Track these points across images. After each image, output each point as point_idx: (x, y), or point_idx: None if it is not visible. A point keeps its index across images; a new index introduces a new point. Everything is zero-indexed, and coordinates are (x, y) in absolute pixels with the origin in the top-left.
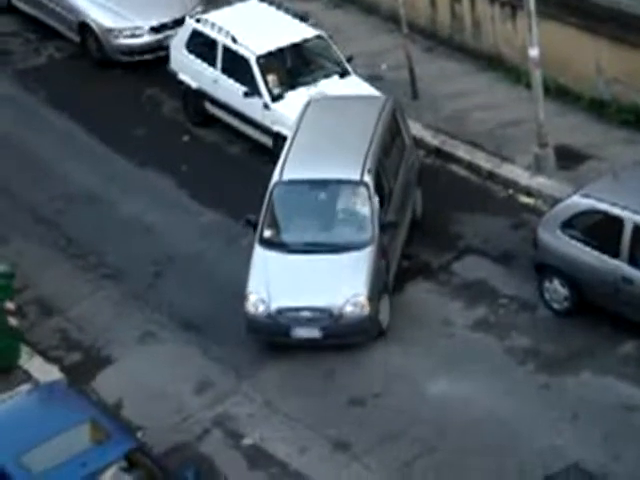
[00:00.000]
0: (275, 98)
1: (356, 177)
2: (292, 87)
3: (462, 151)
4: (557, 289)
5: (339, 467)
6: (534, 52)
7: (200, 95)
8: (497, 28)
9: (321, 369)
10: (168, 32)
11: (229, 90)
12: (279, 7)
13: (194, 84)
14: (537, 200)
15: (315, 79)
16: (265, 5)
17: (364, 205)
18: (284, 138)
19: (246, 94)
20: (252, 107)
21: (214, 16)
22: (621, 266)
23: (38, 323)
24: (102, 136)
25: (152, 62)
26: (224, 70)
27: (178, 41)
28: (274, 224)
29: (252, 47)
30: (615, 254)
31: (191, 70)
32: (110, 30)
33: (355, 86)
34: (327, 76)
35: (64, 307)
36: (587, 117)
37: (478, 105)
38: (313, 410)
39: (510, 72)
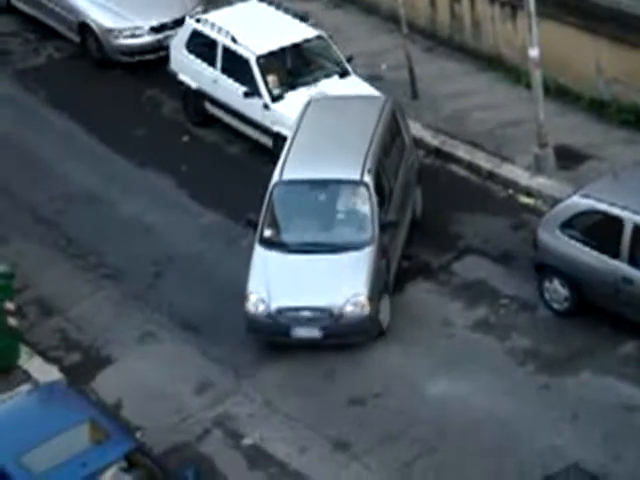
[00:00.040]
0: (275, 98)
1: (356, 177)
2: (292, 87)
3: (462, 151)
4: (557, 289)
5: (339, 467)
6: (534, 52)
7: (200, 95)
8: (497, 28)
9: (321, 369)
10: (168, 32)
11: (229, 90)
12: (279, 7)
13: (194, 84)
14: (537, 200)
15: (315, 79)
16: (265, 5)
17: (364, 205)
18: (284, 138)
19: (246, 94)
20: (252, 107)
21: (214, 16)
22: (621, 266)
23: (38, 323)
24: (102, 136)
25: (152, 62)
26: (224, 70)
27: (178, 41)
28: (274, 224)
29: (252, 47)
30: (615, 254)
31: (191, 70)
32: (110, 30)
33: (355, 86)
34: (327, 76)
35: (64, 307)
36: (587, 117)
37: (478, 105)
38: (313, 410)
39: (510, 72)
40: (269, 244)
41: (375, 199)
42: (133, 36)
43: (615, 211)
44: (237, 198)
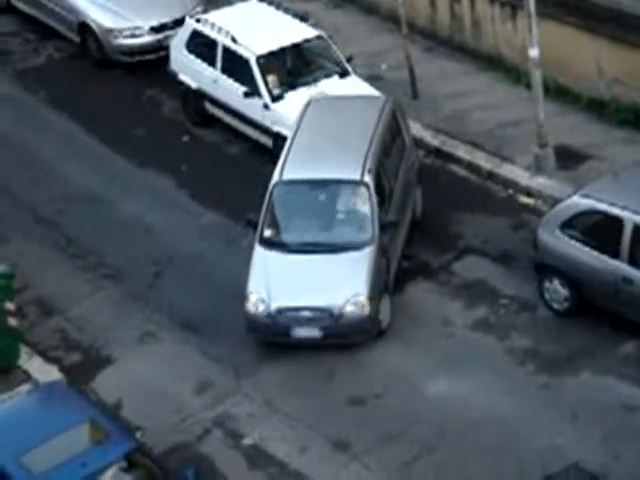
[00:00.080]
0: (275, 98)
1: (356, 177)
2: (292, 87)
3: (462, 151)
4: (557, 289)
5: (339, 467)
6: (534, 52)
7: (200, 95)
8: (497, 28)
9: (321, 369)
10: (168, 32)
11: (229, 90)
12: (279, 7)
13: (194, 84)
14: (537, 200)
15: (315, 79)
16: (265, 5)
17: (364, 205)
18: (284, 138)
19: (246, 94)
20: (252, 107)
21: (214, 16)
22: (621, 266)
23: (38, 323)
24: (102, 136)
25: (152, 62)
26: (224, 70)
27: (178, 41)
28: (274, 224)
29: (252, 47)
30: (615, 254)
31: (191, 70)
32: (110, 30)
33: (355, 86)
34: (327, 76)
35: (64, 307)
36: (587, 117)
37: (478, 105)
38: (313, 410)
39: (510, 72)
40: (269, 244)
41: (375, 199)
42: (133, 36)
43: (615, 211)
44: (237, 198)
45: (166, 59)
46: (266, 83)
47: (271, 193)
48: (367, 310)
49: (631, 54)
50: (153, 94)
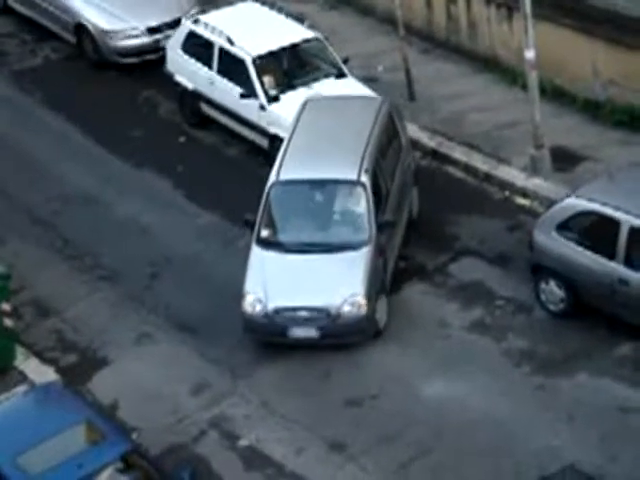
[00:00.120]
0: (271, 99)
1: (353, 177)
2: (288, 89)
3: (458, 153)
4: (553, 291)
5: (335, 468)
6: (530, 54)
7: (196, 96)
8: (493, 30)
9: (317, 370)
10: (164, 33)
11: (225, 91)
12: (274, 8)
13: (190, 85)
14: (533, 201)
15: (311, 81)
16: (261, 6)
17: (361, 205)
18: (280, 140)
19: (242, 95)
20: (248, 108)
21: (210, 17)
22: (617, 268)
23: (34, 324)
24: (98, 137)
25: (148, 63)
26: (220, 71)
27: (174, 42)
28: (271, 224)
29: (248, 48)
30: (611, 255)
31: (187, 71)
32: (106, 31)
33: (351, 88)
34: (323, 78)
35: (60, 308)
36: (583, 118)
37: (474, 107)
38: (309, 411)
39: (506, 74)
40: (266, 244)
41: (372, 199)
42: (129, 37)
43: (611, 212)
44: (234, 199)
45: (162, 60)
46: (262, 84)
47: (268, 193)
48: (364, 310)
49: (627, 56)
50: (149, 95)
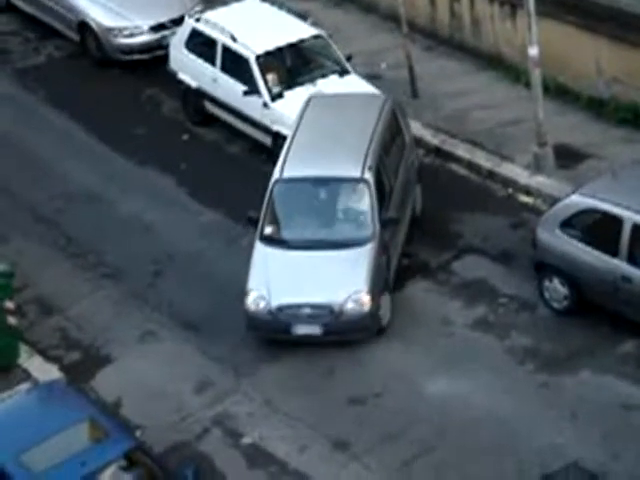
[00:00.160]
0: (274, 97)
1: (357, 174)
2: (291, 86)
3: (462, 150)
4: (557, 288)
5: (338, 466)
6: (534, 51)
7: (200, 94)
8: (496, 27)
9: (321, 368)
10: (167, 31)
11: (229, 89)
12: (278, 6)
13: (194, 83)
14: (536, 199)
15: (314, 78)
16: (265, 4)
17: (364, 202)
18: (283, 137)
19: (245, 93)
20: (251, 106)
21: (213, 15)
22: (620, 265)
23: (38, 322)
24: (102, 135)
25: (151, 61)
26: (224, 69)
27: (177, 40)
28: (275, 221)
29: (251, 46)
30: (614, 253)
31: (191, 69)
32: (110, 29)
33: (355, 85)
34: (326, 75)
35: (64, 306)
36: (586, 116)
37: (478, 104)
38: (313, 409)
39: (510, 71)
40: (270, 241)
41: (375, 196)
42: (132, 35)
43: (614, 210)
44: (237, 197)
45: (165, 58)
46: (265, 82)
47: (271, 190)
48: (367, 307)
49: (630, 53)
50: (153, 93)
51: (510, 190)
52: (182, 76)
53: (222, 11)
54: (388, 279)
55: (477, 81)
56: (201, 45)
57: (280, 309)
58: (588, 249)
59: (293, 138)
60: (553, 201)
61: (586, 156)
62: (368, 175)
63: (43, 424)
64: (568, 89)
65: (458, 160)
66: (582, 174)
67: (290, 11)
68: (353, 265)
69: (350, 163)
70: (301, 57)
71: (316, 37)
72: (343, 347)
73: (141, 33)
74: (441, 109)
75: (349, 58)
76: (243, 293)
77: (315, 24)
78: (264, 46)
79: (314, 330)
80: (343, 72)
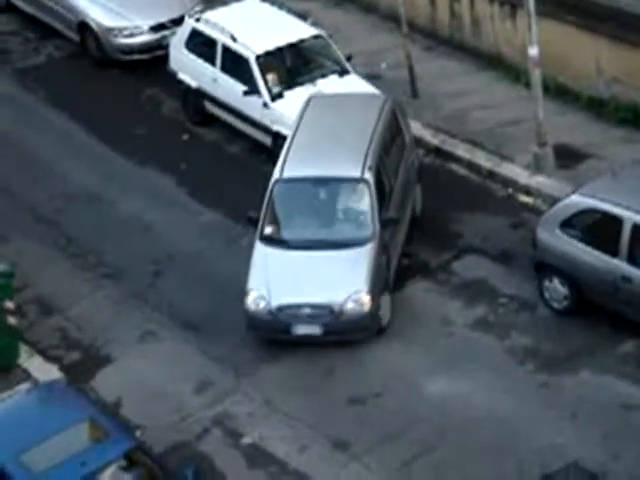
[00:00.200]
0: (274, 97)
1: (357, 174)
2: (291, 86)
3: (462, 150)
4: (557, 288)
5: (338, 466)
6: (534, 51)
7: (200, 94)
8: (496, 27)
9: (321, 367)
10: (167, 31)
11: (229, 89)
12: (278, 6)
13: (194, 83)
14: (536, 199)
15: (314, 78)
16: (265, 4)
17: (364, 202)
18: (283, 137)
19: (245, 93)
20: (251, 106)
21: (213, 15)
22: (620, 265)
23: (38, 322)
24: (101, 135)
25: (151, 61)
26: (224, 69)
27: (177, 40)
28: (275, 221)
29: (251, 46)
30: (614, 253)
31: (190, 69)
32: (110, 29)
33: (355, 85)
34: (326, 75)
35: (64, 306)
36: (586, 116)
37: (478, 104)
38: (313, 409)
39: (510, 71)
40: (270, 241)
41: (375, 196)
42: (132, 35)
43: (614, 210)
44: (237, 197)
45: (165, 58)
46: (265, 82)
47: (271, 190)
48: (367, 307)
49: (630, 53)
50: (153, 93)
51: (510, 190)
52: (182, 76)
53: (222, 11)
54: (388, 279)
55: (477, 81)
56: (201, 45)
57: (280, 309)
58: (588, 249)
59: (293, 138)
60: (553, 201)
61: (586, 156)
62: (368, 175)
63: (43, 424)
64: (568, 89)
65: (458, 160)
66: (582, 174)
67: (290, 11)
68: (353, 265)
69: (350, 163)
70: (301, 57)
71: (316, 37)
72: (343, 347)
73: (141, 33)
74: (441, 109)
75: (349, 58)
76: (243, 293)
77: (315, 24)
78: (264, 46)
79: (314, 330)
80: (343, 72)
